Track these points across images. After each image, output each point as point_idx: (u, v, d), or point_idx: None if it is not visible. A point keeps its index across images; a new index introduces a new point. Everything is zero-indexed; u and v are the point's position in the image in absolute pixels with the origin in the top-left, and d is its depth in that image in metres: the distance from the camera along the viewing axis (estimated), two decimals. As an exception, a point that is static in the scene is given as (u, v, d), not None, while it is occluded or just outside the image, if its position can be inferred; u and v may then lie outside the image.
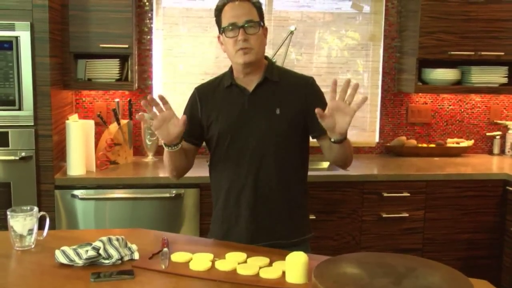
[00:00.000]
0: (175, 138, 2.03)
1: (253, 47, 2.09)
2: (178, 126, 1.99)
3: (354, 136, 3.94)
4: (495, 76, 3.80)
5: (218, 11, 2.15)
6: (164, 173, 3.31)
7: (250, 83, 2.17)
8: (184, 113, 2.27)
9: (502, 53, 3.69)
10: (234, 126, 2.15)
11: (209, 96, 2.24)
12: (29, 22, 2.93)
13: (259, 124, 2.13)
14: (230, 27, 2.08)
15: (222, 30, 2.13)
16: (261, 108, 2.15)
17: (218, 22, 2.16)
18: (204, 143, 2.31)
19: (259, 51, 2.12)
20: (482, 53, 3.67)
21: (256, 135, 2.13)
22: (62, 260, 1.78)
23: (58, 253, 1.80)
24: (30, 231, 1.93)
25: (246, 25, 2.07)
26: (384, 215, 3.31)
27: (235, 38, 2.08)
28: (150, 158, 3.64)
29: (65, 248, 1.82)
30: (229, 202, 2.21)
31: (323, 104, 2.00)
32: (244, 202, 2.17)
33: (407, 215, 3.36)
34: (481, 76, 3.77)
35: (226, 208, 2.23)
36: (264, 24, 2.16)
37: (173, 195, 3.11)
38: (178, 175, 2.28)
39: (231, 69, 2.23)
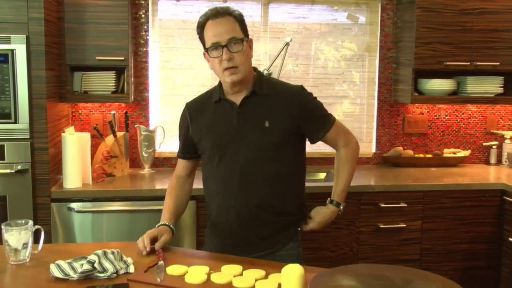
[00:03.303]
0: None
1: (239, 65, 2.07)
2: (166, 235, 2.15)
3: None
4: (491, 86, 3.81)
5: (200, 28, 2.13)
6: (161, 185, 3.30)
7: (238, 97, 2.17)
8: (179, 131, 2.35)
9: (498, 63, 3.70)
10: (224, 141, 2.15)
11: (198, 112, 2.24)
12: (25, 35, 2.93)
13: (249, 138, 2.13)
14: (213, 47, 2.06)
15: (206, 50, 2.12)
16: (249, 122, 2.14)
17: (201, 39, 2.15)
18: None
19: (246, 68, 2.10)
20: (478, 63, 3.68)
21: (246, 149, 2.13)
22: (57, 274, 1.77)
23: (53, 267, 1.79)
24: (25, 245, 1.92)
25: (229, 44, 2.05)
26: (382, 226, 3.30)
27: (220, 58, 2.06)
28: (146, 170, 3.63)
29: (60, 262, 1.81)
30: (222, 216, 2.21)
31: (313, 111, 2.18)
32: (236, 216, 2.16)
33: (405, 225, 3.35)
34: (477, 86, 3.78)
35: (218, 222, 2.23)
36: (248, 36, 2.14)
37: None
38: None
39: (220, 83, 2.22)
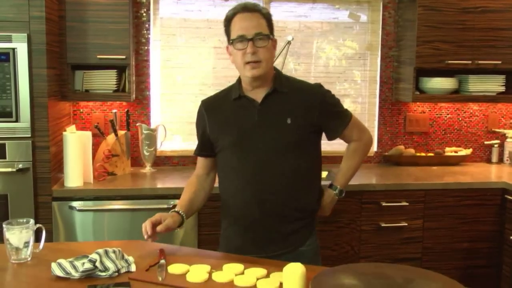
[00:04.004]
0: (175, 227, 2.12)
1: (262, 60, 2.07)
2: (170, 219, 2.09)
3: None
4: (493, 84, 3.80)
5: (228, 21, 2.14)
6: (162, 184, 3.31)
7: (258, 94, 2.16)
8: (196, 128, 2.32)
9: (499, 62, 3.69)
10: (245, 138, 2.13)
11: (216, 109, 2.22)
12: (26, 34, 2.93)
13: (271, 135, 2.13)
14: (239, 39, 2.07)
15: (230, 41, 2.12)
16: (271, 119, 2.14)
17: (227, 32, 2.15)
18: None
19: (268, 64, 2.11)
20: (479, 62, 3.67)
21: (269, 146, 2.12)
22: (59, 273, 1.77)
23: (54, 265, 1.79)
24: (26, 244, 1.92)
25: (255, 38, 2.06)
26: (383, 225, 3.30)
27: (243, 51, 2.06)
28: (148, 169, 3.63)
29: (61, 260, 1.81)
30: (244, 214, 2.18)
31: (333, 108, 2.24)
32: (260, 213, 2.15)
33: (406, 224, 3.35)
34: (478, 85, 3.78)
35: (240, 221, 2.21)
36: (273, 35, 2.14)
37: (171, 206, 3.10)
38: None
39: (239, 80, 2.21)
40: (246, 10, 2.10)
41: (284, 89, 2.17)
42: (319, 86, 2.26)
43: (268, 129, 2.13)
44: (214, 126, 2.22)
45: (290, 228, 2.18)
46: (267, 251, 2.14)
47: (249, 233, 2.19)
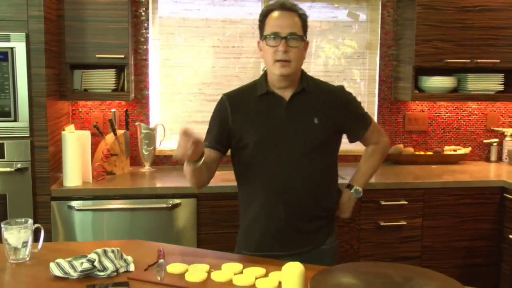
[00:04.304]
0: (196, 156, 1.96)
1: (292, 60, 2.07)
2: (200, 146, 1.93)
3: (352, 144, 3.93)
4: (491, 83, 3.80)
5: (263, 16, 2.13)
6: (161, 183, 3.30)
7: (285, 92, 2.16)
8: (212, 121, 2.25)
9: (498, 61, 3.69)
10: (272, 135, 2.12)
11: (240, 104, 2.19)
12: (24, 33, 2.92)
13: (298, 134, 2.13)
14: (272, 36, 2.06)
15: (263, 37, 2.11)
16: (299, 118, 2.14)
17: (261, 27, 2.14)
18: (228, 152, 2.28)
19: (297, 65, 2.12)
20: (478, 60, 3.67)
21: (296, 145, 2.12)
22: (57, 272, 1.77)
23: (53, 265, 1.79)
24: (25, 244, 1.92)
25: (288, 37, 2.05)
26: (382, 224, 3.30)
27: (275, 48, 2.06)
28: (147, 168, 3.63)
29: (60, 260, 1.81)
30: (268, 212, 2.17)
31: (356, 110, 2.27)
32: (285, 211, 2.15)
33: (405, 223, 3.35)
34: (477, 83, 3.78)
35: (260, 219, 2.19)
36: (306, 37, 2.14)
37: (170, 205, 3.10)
38: (201, 186, 2.20)
39: (264, 76, 2.20)
40: (283, 8, 2.10)
41: (311, 89, 2.18)
42: (342, 88, 2.29)
43: (296, 128, 2.13)
44: (239, 121, 2.18)
45: (313, 226, 2.20)
46: (289, 249, 2.15)
47: (272, 231, 2.18)
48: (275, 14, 2.09)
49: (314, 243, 2.20)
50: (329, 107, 2.17)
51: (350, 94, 2.29)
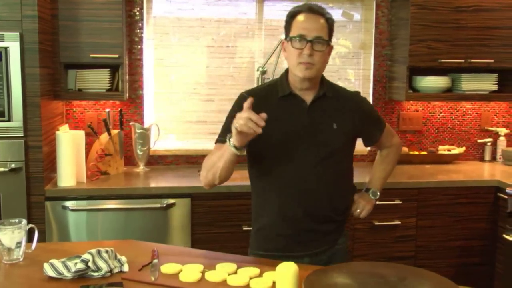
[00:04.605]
0: (248, 140, 1.91)
1: (315, 64, 2.06)
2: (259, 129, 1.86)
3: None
4: (486, 83, 3.81)
5: (290, 17, 2.12)
6: (155, 183, 3.30)
7: (306, 95, 2.15)
8: (231, 118, 2.10)
9: (492, 61, 3.70)
10: (293, 137, 2.10)
11: (261, 104, 2.11)
12: (18, 33, 2.91)
13: (319, 138, 2.12)
14: (298, 38, 2.05)
15: (289, 38, 2.10)
16: (319, 122, 2.14)
17: (287, 28, 2.13)
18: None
19: (320, 69, 2.11)
20: (472, 60, 3.68)
21: (316, 148, 2.12)
22: (51, 273, 1.76)
23: (46, 266, 1.79)
24: (19, 244, 1.91)
25: (314, 41, 2.04)
26: (377, 223, 3.31)
27: (300, 50, 2.05)
28: (141, 168, 3.62)
29: (53, 261, 1.81)
30: (281, 214, 2.16)
31: (372, 115, 2.31)
32: (304, 214, 2.14)
33: (400, 222, 3.36)
34: (471, 83, 3.79)
35: (277, 220, 2.17)
36: (331, 41, 2.14)
37: (164, 205, 3.10)
38: (222, 182, 2.11)
39: (285, 78, 2.18)
40: (311, 11, 2.09)
41: (330, 94, 2.19)
42: (359, 94, 2.32)
43: (316, 132, 2.13)
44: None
45: (328, 228, 2.21)
46: (306, 249, 2.16)
47: (289, 232, 2.17)
48: (303, 16, 2.08)
49: (328, 243, 2.22)
50: (347, 112, 2.19)
51: (365, 99, 2.33)
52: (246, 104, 1.86)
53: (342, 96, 2.24)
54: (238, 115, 1.84)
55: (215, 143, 2.15)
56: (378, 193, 2.45)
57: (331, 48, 2.14)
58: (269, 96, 2.17)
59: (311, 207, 2.14)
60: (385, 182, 2.50)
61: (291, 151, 2.11)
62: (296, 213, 2.14)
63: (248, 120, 1.82)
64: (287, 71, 2.18)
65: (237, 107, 2.16)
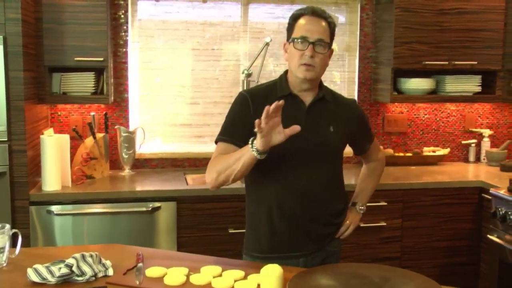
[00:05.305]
0: (271, 145, 1.92)
1: (316, 66, 2.09)
2: (283, 135, 1.90)
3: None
4: (469, 85, 3.84)
5: (293, 19, 2.14)
6: (141, 187, 3.29)
7: (306, 96, 2.17)
8: (233, 116, 2.18)
9: (475, 62, 3.74)
10: (291, 139, 2.03)
11: (263, 103, 2.07)
12: (2, 36, 2.90)
13: (316, 140, 2.13)
14: (300, 40, 2.07)
15: (291, 40, 2.12)
16: (317, 124, 2.16)
17: (290, 30, 2.15)
18: None
19: (321, 71, 2.14)
20: (456, 62, 3.71)
21: (310, 149, 2.13)
22: (35, 278, 1.75)
23: (30, 271, 1.77)
24: (2, 249, 1.89)
25: (316, 43, 2.07)
26: (362, 225, 3.31)
27: (302, 52, 2.07)
28: (126, 171, 3.61)
29: (37, 266, 1.79)
30: (278, 215, 2.15)
31: (366, 124, 2.37)
32: (295, 214, 2.15)
33: (385, 224, 3.38)
34: (455, 85, 3.82)
35: (273, 222, 2.17)
36: (332, 45, 2.16)
37: (150, 208, 3.09)
38: (233, 182, 2.08)
39: (284, 79, 2.20)
40: (315, 14, 2.12)
41: (329, 98, 2.21)
42: (356, 102, 2.38)
43: (314, 134, 2.14)
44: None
45: (325, 229, 2.23)
46: (301, 250, 2.17)
47: (285, 233, 2.17)
48: (306, 18, 2.11)
49: (324, 244, 2.23)
50: (344, 118, 2.22)
51: (361, 108, 2.39)
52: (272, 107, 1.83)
53: (340, 101, 2.27)
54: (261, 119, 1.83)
55: (216, 142, 2.16)
56: (365, 208, 2.45)
57: (331, 51, 2.17)
58: (268, 95, 2.17)
59: (308, 207, 2.15)
60: (370, 196, 2.51)
61: (289, 151, 2.10)
62: (292, 213, 2.15)
63: (274, 126, 1.86)
64: (286, 72, 2.21)
65: (240, 104, 2.18)
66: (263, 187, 2.19)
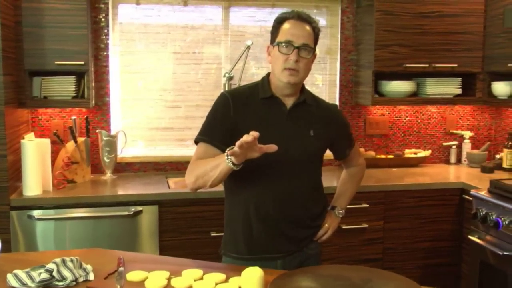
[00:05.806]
0: (245, 159, 1.93)
1: (300, 71, 2.09)
2: (258, 152, 1.91)
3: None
4: (450, 87, 3.88)
5: (278, 23, 2.14)
6: (123, 191, 3.28)
7: (287, 99, 2.18)
8: (213, 117, 2.17)
9: (456, 65, 3.78)
10: (271, 140, 2.02)
11: (244, 105, 2.15)
12: (-20, 40, 2.88)
13: (296, 143, 2.14)
14: (285, 44, 2.07)
15: (276, 43, 2.11)
16: (297, 128, 2.17)
17: (274, 33, 2.15)
18: None
19: (304, 75, 2.14)
20: (436, 65, 3.75)
21: (292, 153, 2.12)
22: (14, 284, 1.74)
23: (10, 276, 1.76)
24: (-19, 255, 1.88)
25: (301, 48, 2.07)
26: (344, 227, 3.33)
27: (286, 56, 2.07)
28: (108, 175, 3.59)
29: (17, 271, 1.78)
30: (256, 217, 2.15)
31: (347, 129, 2.39)
32: (274, 216, 2.15)
33: (367, 226, 3.39)
34: (436, 87, 3.86)
35: (252, 224, 2.16)
36: (315, 50, 2.17)
37: (132, 212, 3.08)
38: (211, 187, 2.09)
39: (266, 80, 2.20)
40: (300, 18, 2.12)
41: (310, 101, 2.22)
42: (336, 106, 2.42)
43: (293, 137, 2.15)
44: (240, 122, 2.12)
45: (303, 231, 2.23)
46: (279, 251, 2.16)
47: (263, 235, 2.17)
48: (291, 22, 2.11)
49: (302, 246, 2.23)
50: (325, 122, 2.23)
51: (342, 113, 2.42)
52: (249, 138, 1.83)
53: (321, 106, 2.28)
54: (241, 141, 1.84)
55: (196, 141, 2.16)
56: (343, 212, 2.45)
57: (315, 56, 2.18)
58: (250, 97, 2.18)
59: (286, 210, 2.15)
60: (350, 200, 2.51)
61: (269, 155, 2.11)
62: (271, 216, 2.15)
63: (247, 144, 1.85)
64: (268, 74, 2.21)
65: (220, 104, 2.18)
66: (241, 190, 2.19)
